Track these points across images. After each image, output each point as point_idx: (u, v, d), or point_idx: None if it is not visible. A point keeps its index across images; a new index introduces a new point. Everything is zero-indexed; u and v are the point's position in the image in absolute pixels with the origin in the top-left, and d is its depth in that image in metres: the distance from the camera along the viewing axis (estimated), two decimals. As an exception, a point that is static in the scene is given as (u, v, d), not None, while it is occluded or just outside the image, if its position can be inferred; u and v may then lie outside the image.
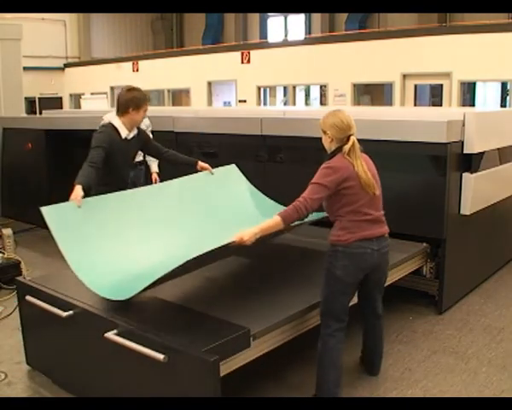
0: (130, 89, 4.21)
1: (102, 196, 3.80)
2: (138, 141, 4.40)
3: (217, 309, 3.16)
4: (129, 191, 4.14)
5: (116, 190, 4.01)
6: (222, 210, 4.26)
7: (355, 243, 3.09)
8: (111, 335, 2.89)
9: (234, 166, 4.80)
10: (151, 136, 5.00)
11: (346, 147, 3.12)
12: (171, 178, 4.36)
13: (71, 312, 3.21)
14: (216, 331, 2.87)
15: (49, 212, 3.40)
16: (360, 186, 3.11)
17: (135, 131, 4.36)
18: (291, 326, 3.25)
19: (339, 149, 3.16)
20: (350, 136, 3.15)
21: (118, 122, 4.17)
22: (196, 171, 4.52)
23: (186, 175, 4.40)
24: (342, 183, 3.07)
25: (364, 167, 3.14)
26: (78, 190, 3.66)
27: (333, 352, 3.18)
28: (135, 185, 5.00)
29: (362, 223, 3.13)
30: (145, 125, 5.39)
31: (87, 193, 3.80)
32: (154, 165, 5.75)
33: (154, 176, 5.70)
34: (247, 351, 2.92)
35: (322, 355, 3.20)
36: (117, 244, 3.52)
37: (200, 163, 4.55)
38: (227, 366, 2.81)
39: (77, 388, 3.37)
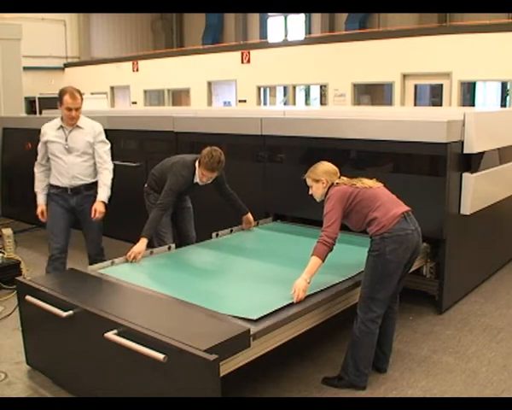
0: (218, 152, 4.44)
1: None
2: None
3: (217, 309, 3.16)
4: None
5: None
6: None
7: (397, 226, 3.33)
8: (111, 335, 2.89)
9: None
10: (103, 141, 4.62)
11: (337, 181, 3.57)
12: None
13: (71, 312, 3.20)
14: (216, 331, 2.88)
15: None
16: (364, 189, 3.47)
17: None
18: (291, 326, 3.25)
19: (331, 185, 3.57)
20: (340, 177, 3.62)
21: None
22: (241, 217, 4.95)
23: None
24: (347, 199, 3.44)
25: (357, 179, 3.56)
26: (142, 245, 4.21)
27: (373, 336, 3.43)
28: (76, 213, 4.62)
29: (383, 207, 3.40)
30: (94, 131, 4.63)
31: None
32: (102, 192, 4.49)
33: (99, 209, 4.42)
34: (247, 351, 2.92)
35: (360, 339, 3.41)
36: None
37: (249, 216, 4.97)
38: (227, 366, 2.81)
39: (77, 388, 3.37)
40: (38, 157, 4.67)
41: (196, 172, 4.52)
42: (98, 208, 4.44)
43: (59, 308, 3.24)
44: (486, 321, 4.44)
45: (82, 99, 4.49)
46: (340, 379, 3.48)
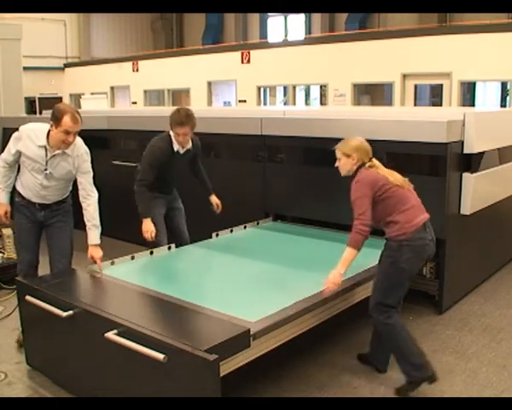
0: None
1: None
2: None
3: (217, 309, 3.15)
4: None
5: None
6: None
7: (416, 235, 3.29)
8: (111, 335, 2.89)
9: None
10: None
11: (369, 163, 3.42)
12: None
13: (71, 312, 3.20)
14: (216, 331, 2.88)
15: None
16: (393, 184, 3.36)
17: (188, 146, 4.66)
18: (291, 326, 3.25)
19: (361, 166, 3.42)
20: (371, 158, 3.46)
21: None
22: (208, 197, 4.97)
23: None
24: (378, 189, 3.31)
25: (388, 171, 3.43)
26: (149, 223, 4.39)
27: (400, 326, 3.39)
28: (43, 227, 4.09)
29: (408, 212, 3.32)
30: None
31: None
32: (94, 235, 3.98)
33: (96, 255, 3.89)
34: (247, 351, 2.92)
35: (392, 337, 3.39)
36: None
37: (214, 197, 4.98)
38: (227, 366, 2.81)
39: (77, 388, 3.37)
40: (5, 155, 4.00)
41: (172, 138, 4.56)
42: (96, 255, 3.87)
43: (59, 308, 3.24)
44: (486, 321, 4.44)
45: (82, 122, 3.80)
46: (410, 383, 3.36)
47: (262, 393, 3.40)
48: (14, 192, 4.11)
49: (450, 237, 4.42)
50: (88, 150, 3.98)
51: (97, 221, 3.96)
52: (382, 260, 3.41)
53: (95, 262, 3.88)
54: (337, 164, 3.55)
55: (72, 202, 4.14)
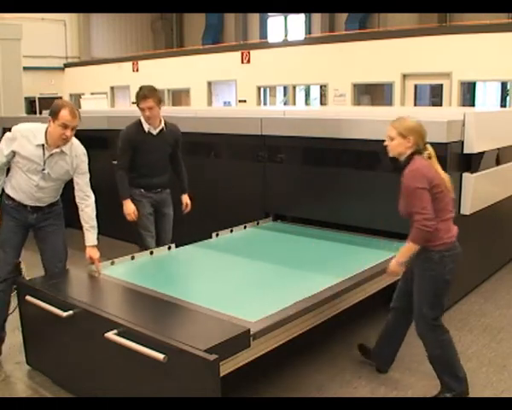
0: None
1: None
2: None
3: (217, 309, 3.15)
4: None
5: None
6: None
7: (454, 244, 3.20)
8: (111, 335, 2.89)
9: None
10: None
11: (427, 152, 3.21)
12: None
13: (71, 312, 3.20)
14: (216, 331, 2.88)
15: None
16: (444, 186, 3.17)
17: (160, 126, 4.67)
18: (291, 326, 3.24)
19: (416, 153, 3.19)
20: (426, 145, 3.23)
21: None
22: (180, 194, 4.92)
23: None
24: (432, 187, 3.11)
25: (441, 172, 3.23)
26: (130, 204, 4.50)
27: (451, 340, 3.31)
28: (33, 230, 3.95)
29: (449, 222, 3.21)
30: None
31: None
32: (92, 235, 3.92)
33: (95, 256, 3.84)
34: (247, 351, 2.92)
35: (446, 350, 3.28)
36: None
37: (185, 197, 4.91)
38: (227, 366, 2.81)
39: (77, 388, 3.37)
40: None
41: (142, 119, 4.61)
42: (94, 256, 3.83)
43: (59, 308, 3.24)
44: (486, 321, 4.44)
45: (80, 119, 3.74)
46: (445, 393, 3.28)
47: (262, 393, 3.40)
48: (1, 195, 3.96)
49: (450, 237, 4.41)
50: (85, 151, 3.93)
51: (95, 222, 3.94)
52: (422, 275, 3.22)
53: (93, 263, 3.86)
54: (387, 143, 3.29)
55: (67, 201, 4.12)
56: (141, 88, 4.58)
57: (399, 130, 3.21)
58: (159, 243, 4.74)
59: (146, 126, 4.61)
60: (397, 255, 3.24)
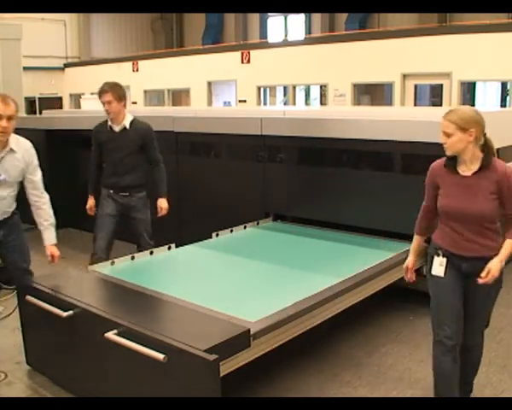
0: None
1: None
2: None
3: (217, 309, 3.16)
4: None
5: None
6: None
7: None
8: (111, 335, 2.89)
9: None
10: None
11: (494, 150, 2.91)
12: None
13: (71, 312, 3.21)
14: (216, 331, 2.88)
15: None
16: None
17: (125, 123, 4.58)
18: (291, 326, 3.24)
19: (491, 152, 2.88)
20: (485, 135, 2.88)
21: None
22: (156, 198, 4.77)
23: None
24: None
25: None
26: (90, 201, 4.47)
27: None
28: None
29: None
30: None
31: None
32: (51, 233, 3.84)
33: (56, 253, 3.82)
34: (247, 351, 2.92)
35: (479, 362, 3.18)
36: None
37: (161, 201, 4.74)
38: (227, 366, 2.81)
39: (77, 388, 3.37)
40: None
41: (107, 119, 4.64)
42: (56, 253, 3.75)
43: (59, 308, 3.24)
44: (486, 321, 4.43)
45: (17, 110, 3.58)
46: None
47: (262, 393, 3.40)
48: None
49: (450, 237, 4.41)
50: (32, 145, 3.80)
51: (54, 219, 3.83)
52: (494, 285, 2.91)
53: (53, 261, 3.80)
54: (444, 141, 2.88)
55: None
56: (103, 83, 4.62)
57: (458, 123, 2.79)
58: (137, 247, 4.70)
59: (109, 123, 4.61)
60: (500, 255, 2.82)
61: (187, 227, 5.81)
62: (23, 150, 3.71)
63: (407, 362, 3.79)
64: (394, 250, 4.33)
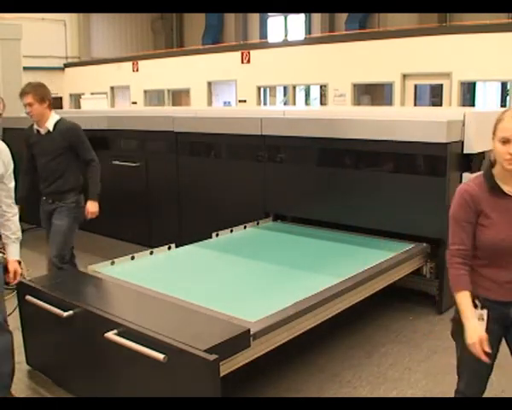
0: None
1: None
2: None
3: (217, 309, 3.16)
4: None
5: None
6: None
7: None
8: (111, 335, 2.89)
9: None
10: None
11: None
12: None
13: (71, 312, 3.21)
14: (216, 331, 2.88)
15: None
16: None
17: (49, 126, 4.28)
18: (291, 326, 3.24)
19: None
20: None
21: None
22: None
23: None
24: None
25: None
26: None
27: None
28: None
29: None
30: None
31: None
32: (15, 249, 3.35)
33: (18, 270, 3.35)
34: (247, 351, 2.92)
35: None
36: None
37: (89, 204, 4.43)
38: (227, 366, 2.81)
39: (77, 388, 3.37)
40: None
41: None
42: (18, 271, 3.34)
43: (59, 308, 3.24)
44: (486, 321, 4.43)
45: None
46: None
47: (262, 393, 3.40)
48: None
49: (450, 237, 4.41)
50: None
51: (21, 234, 3.38)
52: None
53: (15, 279, 3.35)
54: (505, 151, 2.24)
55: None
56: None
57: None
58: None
59: (35, 126, 4.42)
60: None
61: (187, 227, 5.81)
62: (4, 155, 3.40)
63: (407, 362, 3.79)
64: (394, 250, 4.33)
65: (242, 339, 2.85)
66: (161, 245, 4.51)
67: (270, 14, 19.35)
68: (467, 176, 4.47)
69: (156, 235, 6.03)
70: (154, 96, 17.31)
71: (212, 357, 2.56)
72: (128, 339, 2.83)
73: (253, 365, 3.03)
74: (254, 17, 19.57)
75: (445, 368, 3.70)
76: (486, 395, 3.38)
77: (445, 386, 3.47)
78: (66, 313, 3.20)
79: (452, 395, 3.35)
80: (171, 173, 6.08)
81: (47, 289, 3.46)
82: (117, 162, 6.55)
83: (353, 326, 4.25)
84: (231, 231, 4.95)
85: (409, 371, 3.68)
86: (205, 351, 2.59)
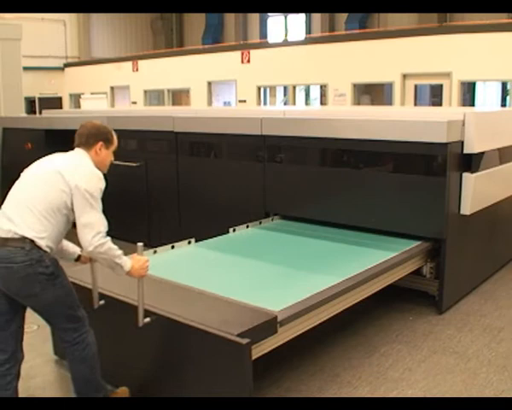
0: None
1: None
2: None
3: (245, 296, 3.27)
4: None
5: None
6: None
7: None
8: (147, 320, 2.98)
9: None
10: None
11: None
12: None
13: (102, 301, 3.27)
14: (245, 318, 2.99)
15: None
16: None
17: None
18: (316, 313, 3.37)
19: None
20: None
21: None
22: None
23: None
24: None
25: None
26: None
27: None
28: None
29: None
30: None
31: None
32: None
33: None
34: (275, 337, 3.05)
35: None
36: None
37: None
38: (256, 351, 2.93)
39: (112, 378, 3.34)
40: None
41: None
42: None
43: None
44: (486, 321, 4.44)
45: None
46: None
47: (263, 393, 3.40)
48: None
49: (450, 237, 4.42)
50: None
51: None
52: None
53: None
54: None
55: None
56: None
57: None
58: None
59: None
60: None
61: (187, 227, 5.81)
62: None
63: (407, 362, 3.79)
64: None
65: (270, 325, 2.97)
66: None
67: (270, 14, 19.37)
68: (467, 176, 4.48)
69: (156, 235, 6.03)
70: (153, 96, 17.31)
71: (245, 341, 2.68)
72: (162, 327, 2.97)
73: (253, 365, 3.03)
74: (254, 17, 19.58)
75: (445, 368, 3.70)
76: (486, 395, 3.40)
77: (445, 386, 3.48)
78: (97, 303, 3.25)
79: (452, 395, 3.37)
80: (171, 173, 6.08)
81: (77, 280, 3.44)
82: (117, 162, 6.53)
83: (353, 327, 4.25)
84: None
85: (409, 371, 3.68)
86: (238, 335, 2.71)
